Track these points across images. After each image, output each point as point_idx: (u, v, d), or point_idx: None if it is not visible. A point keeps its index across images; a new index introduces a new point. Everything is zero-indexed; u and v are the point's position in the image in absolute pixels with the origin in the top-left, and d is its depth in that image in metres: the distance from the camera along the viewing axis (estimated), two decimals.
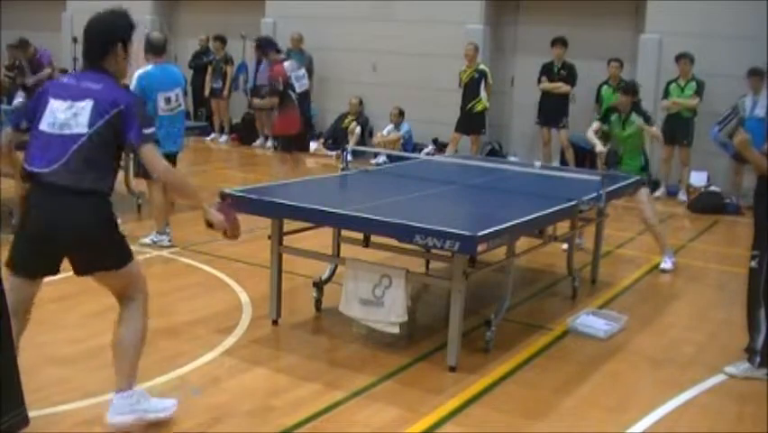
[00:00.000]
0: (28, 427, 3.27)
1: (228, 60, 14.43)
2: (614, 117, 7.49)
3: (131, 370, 3.80)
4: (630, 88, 7.63)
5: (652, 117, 7.60)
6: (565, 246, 6.72)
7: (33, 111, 3.68)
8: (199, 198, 3.95)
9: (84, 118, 3.55)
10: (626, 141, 7.44)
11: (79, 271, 3.72)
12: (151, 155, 3.68)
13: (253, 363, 4.76)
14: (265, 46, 9.28)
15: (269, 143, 14.16)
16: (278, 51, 9.28)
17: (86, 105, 3.56)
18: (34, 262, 3.64)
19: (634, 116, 7.38)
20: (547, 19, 12.46)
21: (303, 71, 9.15)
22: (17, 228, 3.72)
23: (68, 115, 3.56)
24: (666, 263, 7.44)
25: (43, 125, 3.59)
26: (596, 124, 7.67)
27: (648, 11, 11.63)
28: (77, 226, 3.56)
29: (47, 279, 6.17)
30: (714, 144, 7.15)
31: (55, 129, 3.57)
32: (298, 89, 8.80)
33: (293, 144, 9.00)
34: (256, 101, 10.77)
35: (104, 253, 3.67)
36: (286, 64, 8.97)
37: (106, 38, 3.71)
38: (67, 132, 3.55)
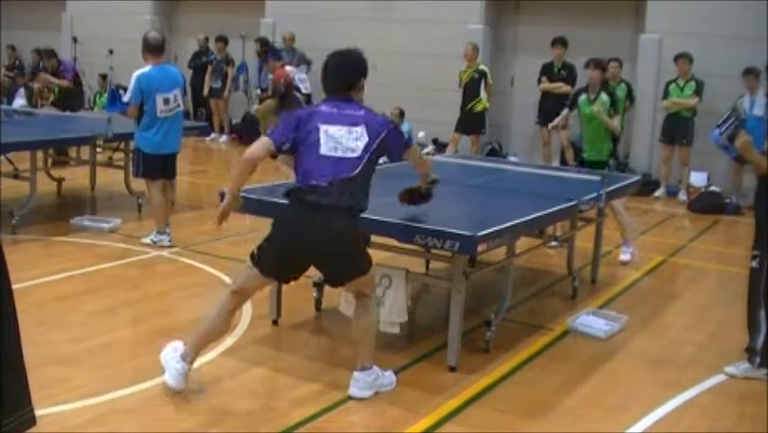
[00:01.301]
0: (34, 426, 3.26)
1: (229, 61, 14.43)
2: (582, 99, 7.39)
3: (370, 351, 4.39)
4: (600, 63, 7.52)
5: (619, 104, 7.51)
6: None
7: (295, 136, 4.13)
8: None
9: (363, 142, 4.09)
10: (592, 122, 7.30)
11: (334, 282, 4.38)
12: (416, 154, 4.56)
13: (253, 363, 4.76)
14: (266, 54, 9.25)
15: None
16: (279, 59, 9.27)
17: (362, 131, 4.11)
18: (284, 268, 4.23)
19: (604, 96, 7.27)
20: (547, 19, 12.46)
21: (305, 74, 9.13)
22: (273, 235, 4.17)
23: (349, 139, 4.08)
24: (625, 254, 7.43)
25: (324, 150, 4.06)
26: (563, 113, 7.74)
27: (648, 11, 11.63)
28: (339, 243, 4.10)
29: (48, 279, 6.22)
30: (715, 146, 7.16)
31: (338, 153, 4.06)
32: (304, 91, 8.73)
33: None
34: (255, 107, 10.39)
35: (355, 263, 4.23)
36: (288, 67, 8.95)
37: (355, 73, 4.28)
38: (350, 155, 4.07)
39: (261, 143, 4.18)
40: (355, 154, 4.08)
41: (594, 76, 7.35)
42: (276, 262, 4.18)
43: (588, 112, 7.32)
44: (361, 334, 4.43)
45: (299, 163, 4.15)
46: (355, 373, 4.37)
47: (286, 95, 8.62)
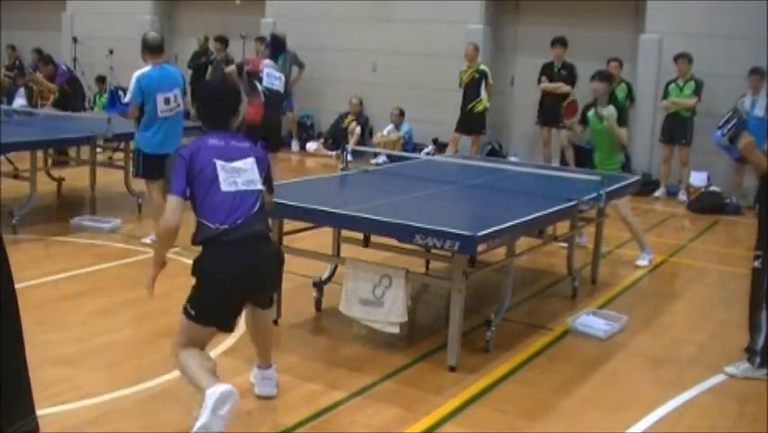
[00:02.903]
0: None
1: (229, 62, 14.40)
2: (591, 113, 7.20)
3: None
4: (606, 75, 7.36)
5: (624, 115, 7.34)
6: (564, 244, 6.70)
7: (190, 176, 3.91)
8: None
9: (256, 173, 4.02)
10: (603, 136, 7.15)
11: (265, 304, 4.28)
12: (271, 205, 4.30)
13: (253, 364, 4.75)
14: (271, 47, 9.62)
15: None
16: (276, 57, 9.42)
17: (252, 162, 4.03)
18: (229, 312, 4.07)
19: (611, 108, 7.12)
20: (547, 19, 12.46)
21: (279, 74, 9.20)
22: (205, 285, 4.04)
23: (245, 173, 3.98)
24: (643, 260, 7.43)
25: (224, 186, 3.90)
26: (570, 123, 7.49)
27: (648, 11, 11.63)
28: (273, 269, 4.16)
29: (49, 278, 6.22)
30: (717, 147, 7.17)
31: (240, 186, 3.94)
32: (265, 83, 8.76)
33: (252, 137, 8.49)
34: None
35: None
36: (265, 60, 9.13)
37: (234, 103, 4.20)
38: (251, 187, 3.96)
39: (172, 206, 3.89)
40: (257, 186, 4.01)
41: (599, 89, 7.13)
42: (219, 310, 4.02)
43: (598, 127, 7.15)
44: (269, 333, 4.51)
45: (199, 204, 3.93)
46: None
47: (247, 74, 8.89)
